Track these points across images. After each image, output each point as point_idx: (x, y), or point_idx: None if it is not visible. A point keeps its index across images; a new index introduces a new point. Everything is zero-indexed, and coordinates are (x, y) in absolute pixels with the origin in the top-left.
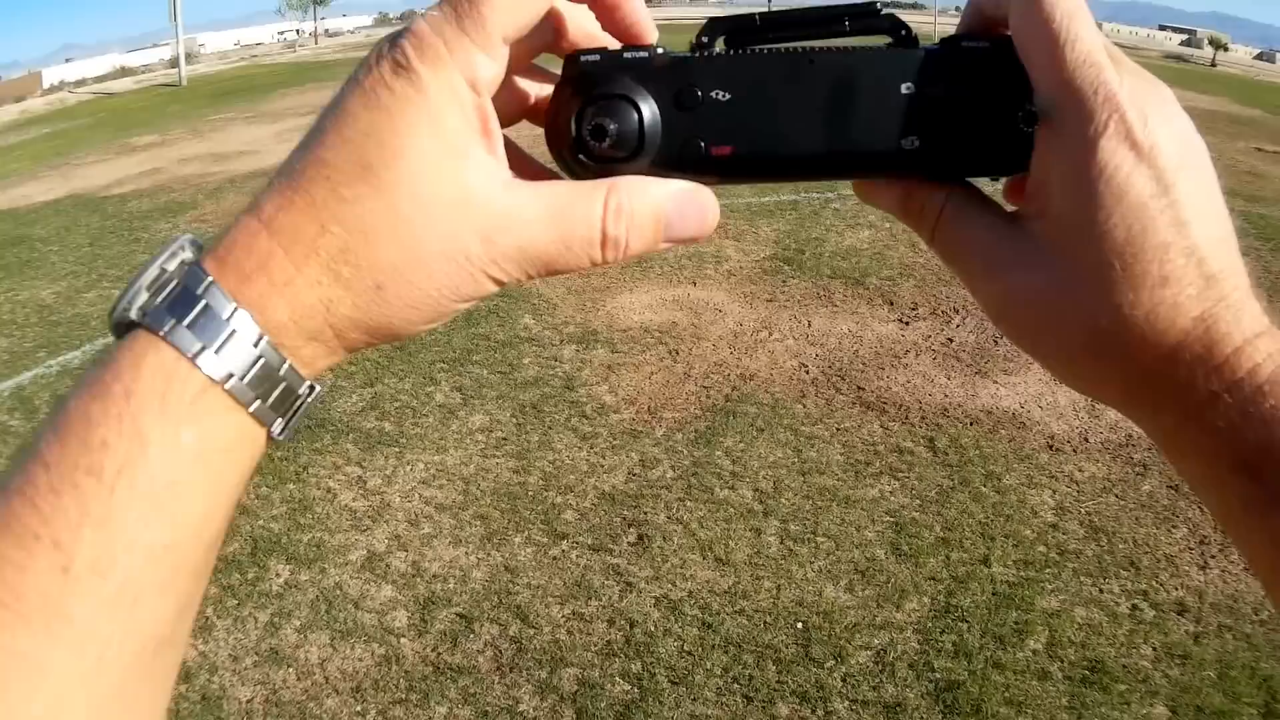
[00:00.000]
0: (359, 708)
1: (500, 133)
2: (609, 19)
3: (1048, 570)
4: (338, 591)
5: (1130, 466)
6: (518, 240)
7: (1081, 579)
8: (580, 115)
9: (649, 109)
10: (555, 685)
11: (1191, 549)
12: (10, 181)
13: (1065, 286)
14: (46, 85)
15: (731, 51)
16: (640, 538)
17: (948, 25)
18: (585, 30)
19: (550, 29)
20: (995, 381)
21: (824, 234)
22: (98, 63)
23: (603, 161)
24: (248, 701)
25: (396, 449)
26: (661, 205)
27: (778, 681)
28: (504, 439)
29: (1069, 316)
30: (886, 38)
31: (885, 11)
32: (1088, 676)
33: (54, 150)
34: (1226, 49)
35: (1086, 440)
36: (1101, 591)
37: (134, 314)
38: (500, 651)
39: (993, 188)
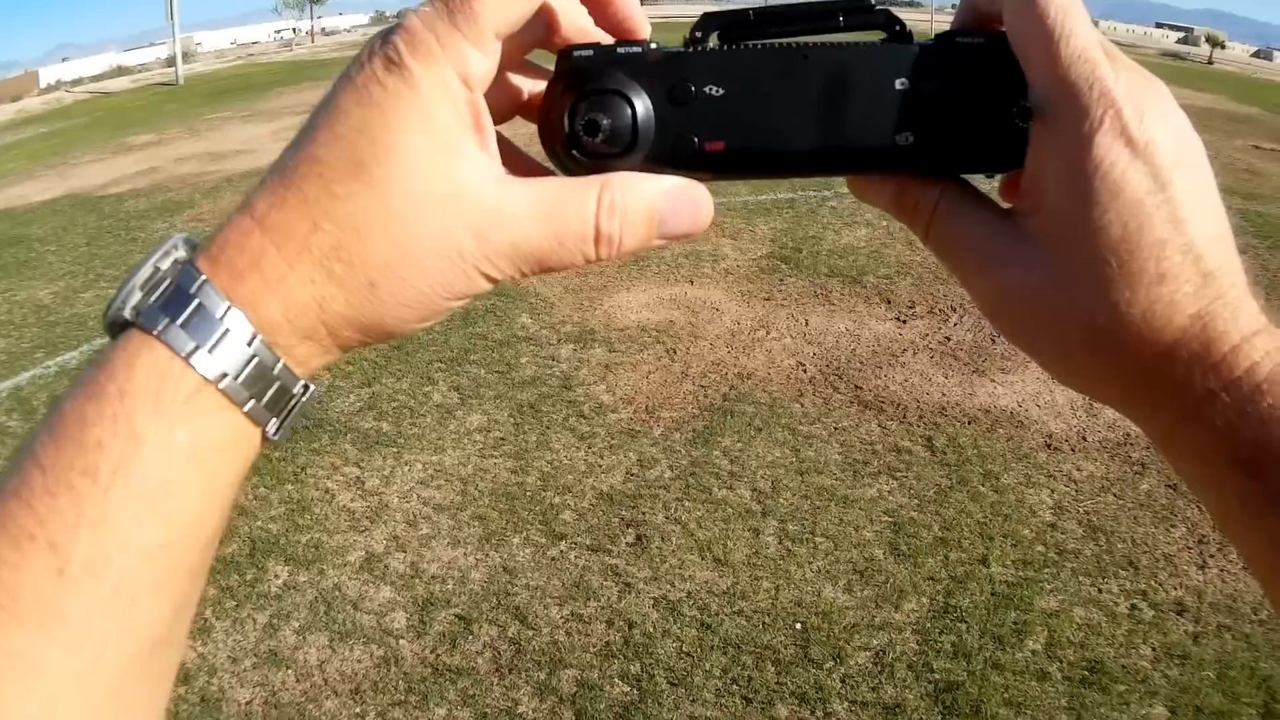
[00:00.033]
0: (358, 709)
1: (493, 128)
2: (601, 14)
3: (1046, 570)
4: (336, 593)
5: (1129, 465)
6: (510, 236)
7: (1080, 579)
8: (573, 110)
9: (642, 104)
10: (554, 687)
11: (1190, 548)
12: (7, 181)
13: (1061, 283)
14: (43, 84)
15: (725, 46)
16: (638, 538)
17: (944, 23)
18: (578, 25)
19: (543, 24)
20: (993, 380)
21: (821, 232)
22: (94, 62)
23: (596, 157)
24: (247, 703)
25: (394, 449)
26: (655, 201)
27: (777, 683)
28: (502, 439)
29: (1065, 313)
30: (881, 33)
31: (879, 7)
32: (1087, 677)
33: (51, 150)
34: (1223, 46)
35: (1084, 439)
36: (1100, 591)
37: (128, 313)
38: (499, 653)
39: (988, 185)
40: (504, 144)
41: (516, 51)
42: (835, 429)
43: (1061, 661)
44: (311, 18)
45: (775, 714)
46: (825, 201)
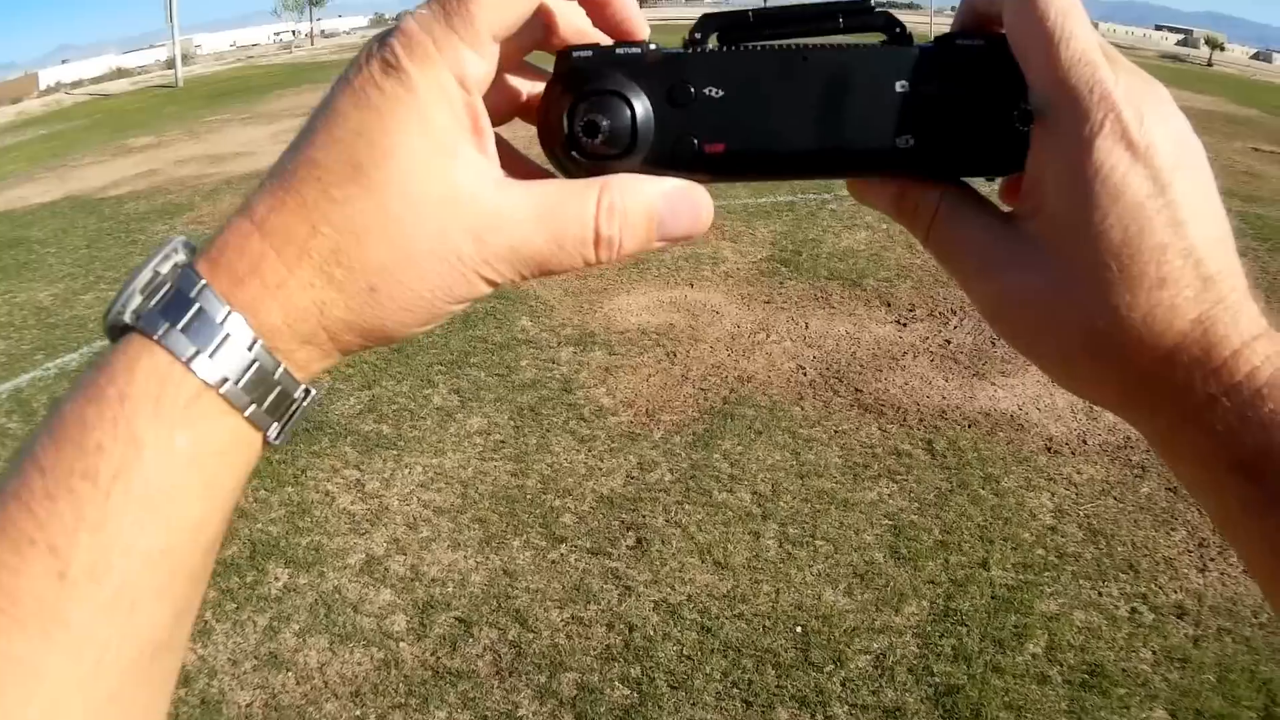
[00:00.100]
0: (358, 712)
1: (491, 131)
2: (600, 15)
3: (1047, 573)
4: (336, 595)
5: (1129, 469)
6: (509, 240)
7: (1080, 582)
8: (572, 111)
9: (642, 105)
10: (554, 690)
11: (1190, 551)
12: (7, 183)
13: (1061, 287)
14: (43, 86)
15: (724, 48)
16: (639, 541)
17: (943, 25)
18: (576, 27)
19: (541, 26)
20: (993, 383)
21: (821, 235)
22: (94, 64)
23: (595, 158)
24: (247, 705)
25: (394, 452)
26: (654, 203)
27: (777, 686)
28: (502, 442)
29: (1065, 317)
30: (880, 35)
31: (879, 9)
32: (1087, 680)
33: (50, 152)
34: (1223, 49)
35: (1085, 442)
36: (1100, 595)
37: (128, 317)
38: (499, 656)
39: (989, 188)
40: (503, 146)
41: (514, 53)
42: (835, 432)
43: (1062, 665)
44: (310, 20)
45: (775, 717)
46: (825, 204)
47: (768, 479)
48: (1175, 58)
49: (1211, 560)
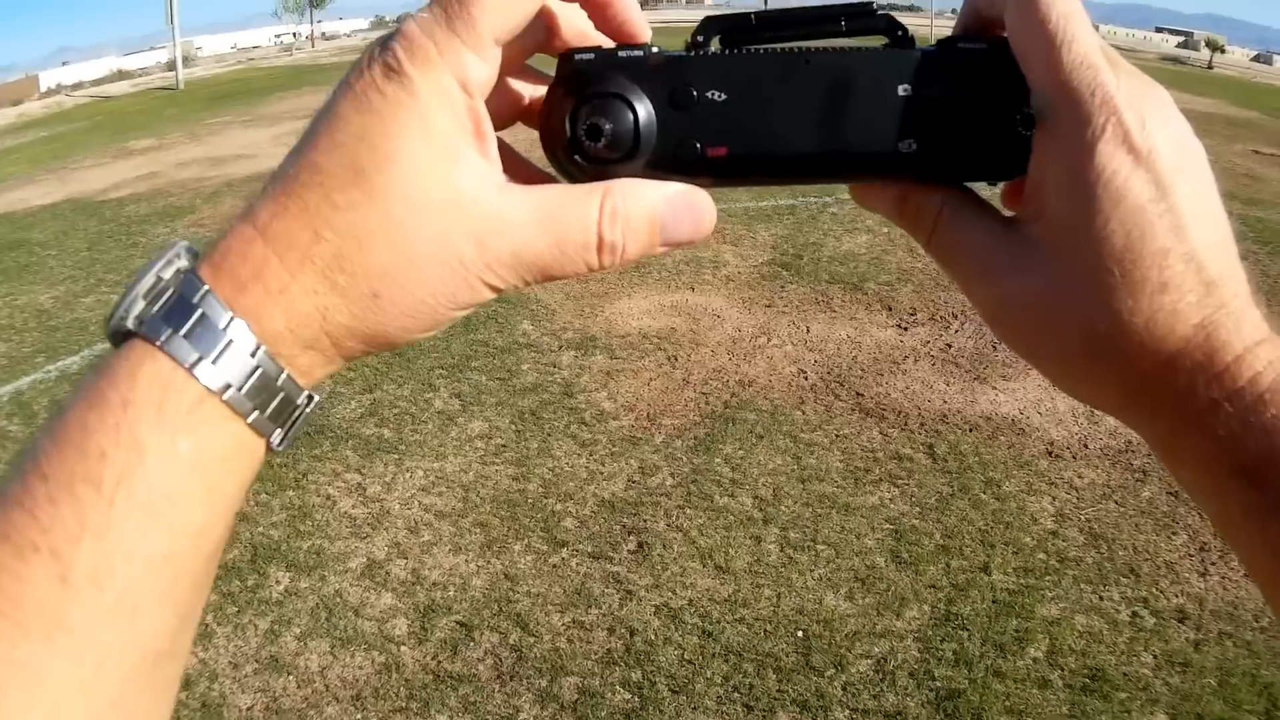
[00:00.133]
0: (359, 716)
1: (493, 135)
2: (601, 18)
3: (1048, 578)
4: (338, 599)
5: (1130, 473)
6: (511, 245)
7: (1081, 586)
8: (575, 115)
9: (644, 108)
10: (555, 694)
11: (1192, 555)
12: (7, 185)
13: (1063, 291)
14: (43, 88)
15: (727, 51)
16: (640, 545)
17: (943, 27)
18: (578, 30)
19: (543, 29)
20: (994, 387)
21: (822, 239)
22: (94, 66)
23: (597, 162)
24: (248, 709)
25: (396, 456)
26: (657, 208)
27: (778, 690)
28: (503, 446)
29: (1066, 321)
30: (883, 38)
31: (881, 12)
32: (1088, 685)
33: (51, 154)
34: (1223, 51)
35: (1086, 446)
36: (1102, 599)
37: (130, 323)
38: (500, 660)
39: (988, 191)
40: (505, 150)
41: (516, 57)
42: (837, 436)
43: (1063, 669)
44: (311, 22)
45: None
46: (826, 208)
47: (769, 483)
48: (1175, 60)
49: (1213, 564)
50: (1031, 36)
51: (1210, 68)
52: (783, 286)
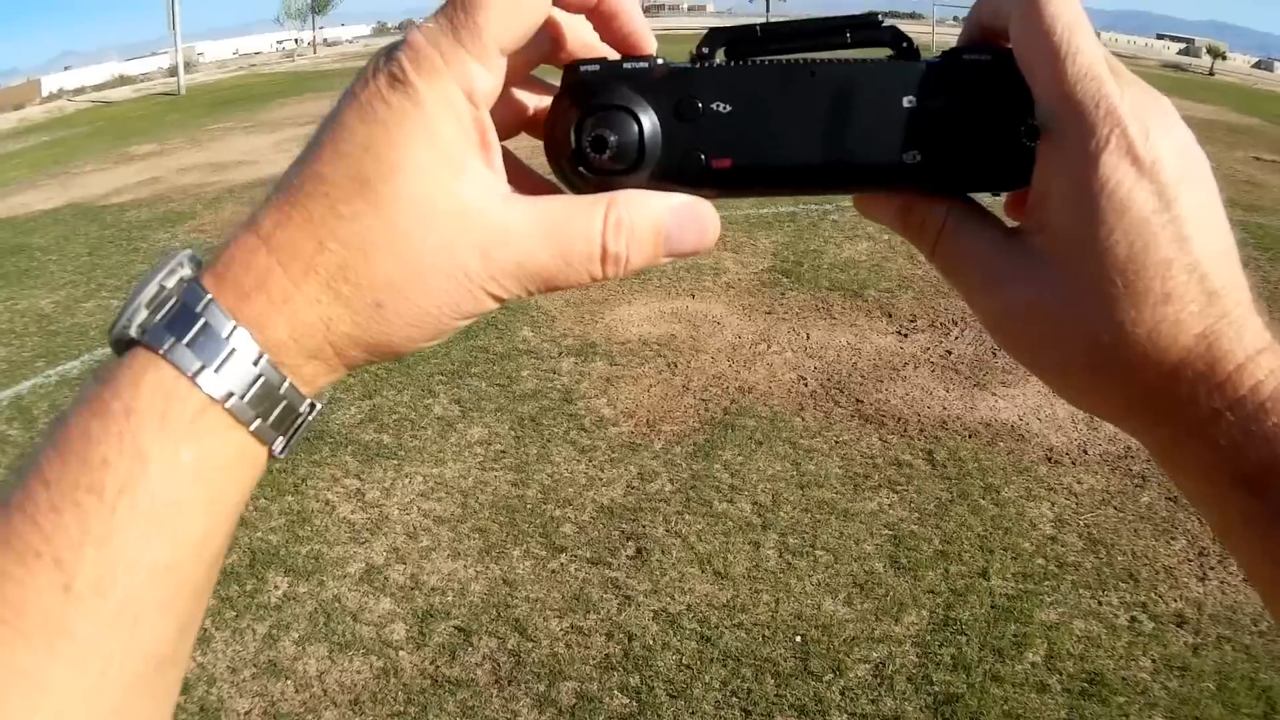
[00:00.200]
0: None
1: (498, 145)
2: (606, 28)
3: (1046, 583)
4: (336, 604)
5: (1129, 478)
6: (516, 255)
7: (1080, 591)
8: (580, 126)
9: (649, 120)
10: (553, 699)
11: (1190, 560)
12: (9, 190)
13: (1066, 301)
14: (45, 93)
15: (732, 63)
16: (639, 551)
17: (945, 36)
18: (584, 40)
19: (548, 39)
20: (994, 394)
21: (822, 246)
22: (96, 71)
23: (602, 173)
24: (246, 714)
25: (395, 461)
26: (662, 219)
27: (776, 695)
28: (502, 452)
29: (1070, 331)
30: (888, 50)
31: (887, 23)
32: (1086, 689)
33: (53, 158)
34: (1225, 57)
35: (1085, 452)
36: (1100, 604)
37: (133, 331)
38: (499, 664)
39: (989, 201)
40: (510, 159)
41: (522, 67)
42: (836, 443)
43: (1061, 673)
44: (314, 28)
45: None
46: (826, 215)
47: (768, 489)
48: (1177, 67)
49: (1211, 569)
50: (1036, 48)
51: (1212, 74)
52: (783, 293)
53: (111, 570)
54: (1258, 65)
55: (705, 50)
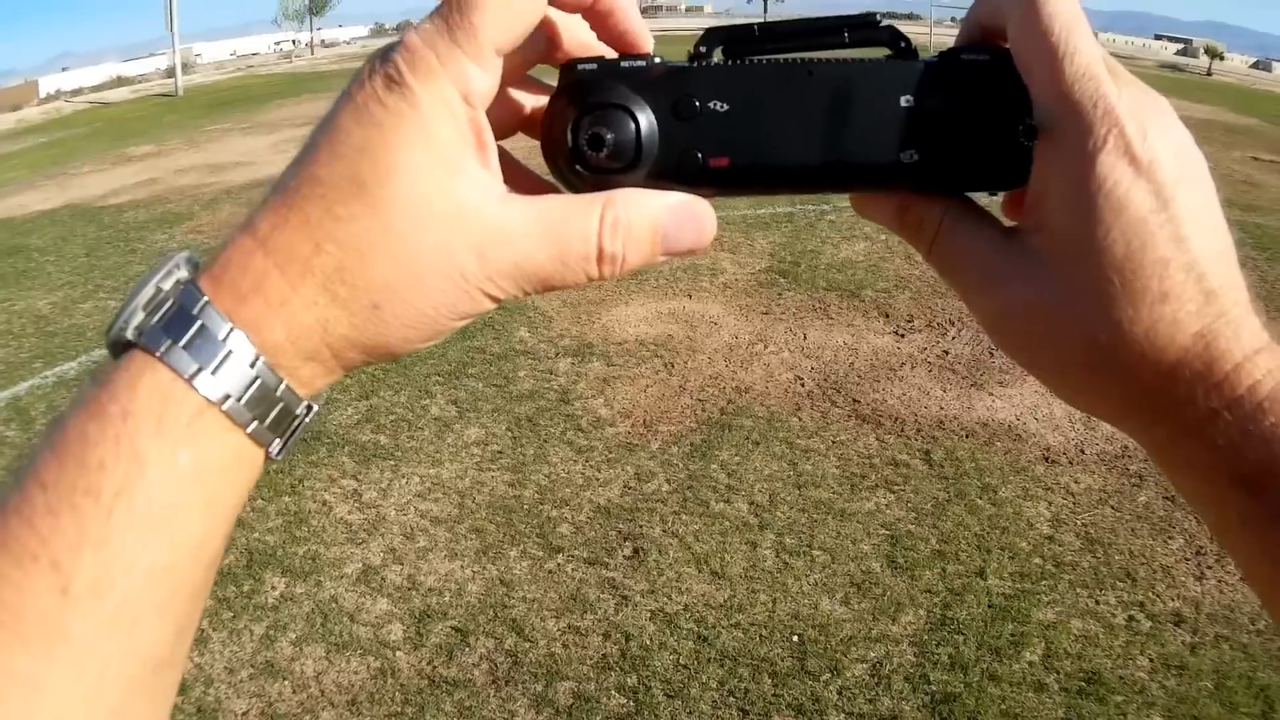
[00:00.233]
0: None
1: (495, 145)
2: (603, 27)
3: (1044, 582)
4: (333, 604)
5: (1126, 478)
6: (513, 256)
7: (1078, 590)
8: (577, 125)
9: (646, 119)
10: (551, 699)
11: (1188, 559)
12: (7, 190)
13: (1063, 301)
14: (43, 94)
15: (730, 62)
16: (636, 551)
17: (943, 36)
18: (580, 40)
19: (544, 39)
20: (991, 394)
21: (819, 246)
22: (94, 72)
23: (599, 172)
24: (243, 714)
25: (392, 462)
26: (659, 218)
27: (773, 694)
28: (499, 452)
29: (1067, 331)
30: (885, 49)
31: (885, 23)
32: (1084, 688)
33: (50, 159)
34: (1222, 58)
35: (1082, 452)
36: (1098, 603)
37: (130, 334)
38: (496, 665)
39: (986, 200)
40: (506, 159)
41: (518, 67)
42: (833, 443)
43: (1059, 673)
44: (311, 30)
45: None
46: (824, 215)
47: (765, 489)
48: (1174, 67)
49: (1209, 568)
50: (1034, 48)
51: (1209, 75)
52: (780, 294)
53: (109, 573)
54: (1255, 65)
55: (703, 49)
